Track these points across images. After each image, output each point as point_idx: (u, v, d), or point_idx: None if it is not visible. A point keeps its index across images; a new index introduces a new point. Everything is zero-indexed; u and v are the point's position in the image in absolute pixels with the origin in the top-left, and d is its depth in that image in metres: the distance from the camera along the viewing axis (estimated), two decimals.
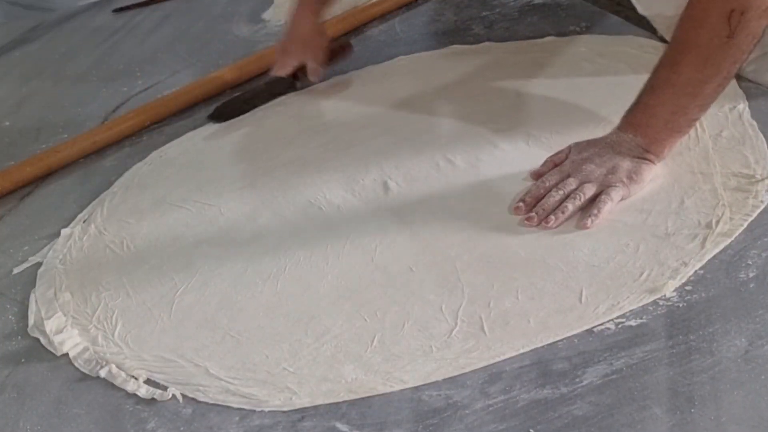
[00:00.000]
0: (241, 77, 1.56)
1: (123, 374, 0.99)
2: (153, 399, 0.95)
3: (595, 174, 1.08)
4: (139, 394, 0.96)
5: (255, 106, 1.48)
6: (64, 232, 1.26)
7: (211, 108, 1.49)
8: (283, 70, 1.48)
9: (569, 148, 1.13)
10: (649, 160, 1.08)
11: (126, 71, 1.70)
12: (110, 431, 0.94)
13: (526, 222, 1.06)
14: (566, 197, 1.06)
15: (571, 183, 1.08)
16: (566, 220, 1.05)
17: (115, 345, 1.04)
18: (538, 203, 1.07)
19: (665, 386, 0.84)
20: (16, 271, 1.22)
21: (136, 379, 0.98)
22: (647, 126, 1.08)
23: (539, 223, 1.05)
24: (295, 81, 1.49)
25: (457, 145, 1.23)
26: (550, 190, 1.08)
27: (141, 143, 1.46)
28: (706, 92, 1.06)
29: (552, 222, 1.04)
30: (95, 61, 1.76)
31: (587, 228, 1.03)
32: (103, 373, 1.00)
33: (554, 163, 1.12)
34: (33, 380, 1.02)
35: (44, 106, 1.64)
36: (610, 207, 1.05)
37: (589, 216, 1.04)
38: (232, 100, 1.50)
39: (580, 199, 1.06)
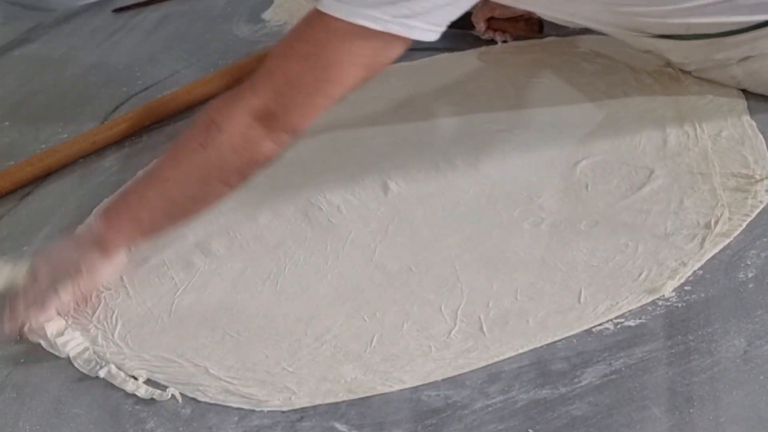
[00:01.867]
0: (241, 77, 1.56)
1: (122, 374, 0.99)
2: (152, 399, 0.95)
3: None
4: (138, 394, 0.96)
5: None
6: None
7: None
8: None
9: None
10: (102, 248, 1.05)
11: (126, 71, 1.69)
12: (109, 431, 0.94)
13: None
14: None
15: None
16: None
17: (115, 345, 1.04)
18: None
19: (664, 386, 0.84)
20: None
21: (135, 379, 0.98)
22: (115, 211, 1.06)
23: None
24: None
25: (456, 146, 1.24)
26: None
27: (141, 143, 1.46)
28: (172, 195, 1.04)
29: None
30: (95, 61, 1.76)
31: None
32: (102, 374, 1.00)
33: None
34: (33, 380, 1.02)
35: (44, 106, 1.64)
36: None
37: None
38: None
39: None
